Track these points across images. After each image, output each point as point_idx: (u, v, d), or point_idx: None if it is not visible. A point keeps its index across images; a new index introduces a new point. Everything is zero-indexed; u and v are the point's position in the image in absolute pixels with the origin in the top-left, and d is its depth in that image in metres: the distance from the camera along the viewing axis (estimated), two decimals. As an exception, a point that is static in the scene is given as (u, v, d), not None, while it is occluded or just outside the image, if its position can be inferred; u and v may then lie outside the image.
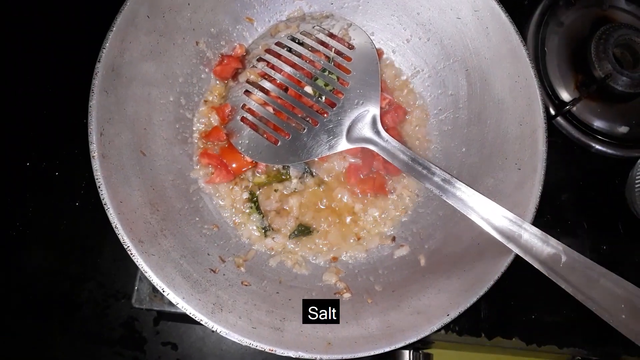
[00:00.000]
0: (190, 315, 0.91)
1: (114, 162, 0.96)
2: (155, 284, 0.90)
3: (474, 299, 0.98)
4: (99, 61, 0.95)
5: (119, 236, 0.91)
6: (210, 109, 1.21)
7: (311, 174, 1.20)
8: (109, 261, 1.30)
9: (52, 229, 1.30)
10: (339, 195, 1.21)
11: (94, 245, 1.30)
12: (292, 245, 1.17)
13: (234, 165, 1.16)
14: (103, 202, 0.91)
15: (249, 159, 1.15)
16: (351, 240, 1.19)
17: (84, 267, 1.29)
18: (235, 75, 1.21)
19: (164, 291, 0.90)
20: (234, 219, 1.17)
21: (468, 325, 1.27)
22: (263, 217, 1.17)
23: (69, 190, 1.32)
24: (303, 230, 1.17)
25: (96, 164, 0.92)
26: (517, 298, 1.30)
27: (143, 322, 1.27)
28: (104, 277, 1.29)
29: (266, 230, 1.16)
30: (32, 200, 1.31)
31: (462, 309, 0.97)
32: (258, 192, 1.18)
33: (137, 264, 0.91)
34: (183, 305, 0.91)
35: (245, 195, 1.17)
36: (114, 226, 0.91)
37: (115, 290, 1.28)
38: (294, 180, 1.19)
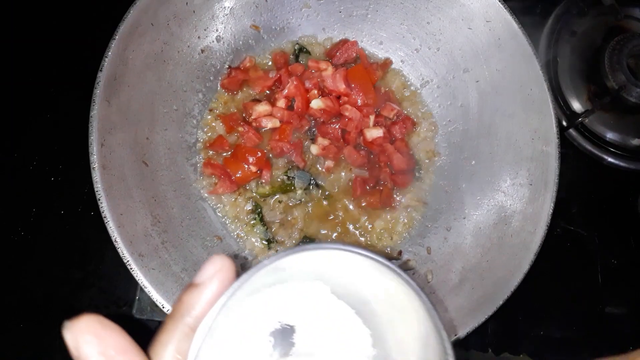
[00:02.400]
0: (190, 332, 0.88)
1: (114, 173, 0.94)
2: (155, 300, 0.88)
3: (482, 319, 0.96)
4: (100, 70, 0.94)
5: (119, 250, 0.89)
6: (215, 118, 1.19)
7: (317, 185, 1.18)
8: (110, 267, 1.27)
9: (54, 234, 1.28)
10: (345, 207, 1.18)
11: (96, 251, 1.28)
12: (296, 258, 1.14)
13: (238, 175, 1.14)
14: (103, 215, 0.89)
15: (253, 169, 1.13)
16: (356, 254, 1.16)
17: (85, 273, 1.27)
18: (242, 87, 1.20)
19: (163, 307, 0.89)
20: (237, 230, 1.14)
21: (475, 340, 1.24)
22: (267, 228, 1.14)
23: (72, 195, 1.30)
24: (308, 243, 1.15)
25: (96, 176, 0.90)
26: (525, 313, 1.27)
27: (144, 331, 1.25)
28: (105, 284, 1.27)
29: (270, 242, 1.14)
30: (34, 205, 1.29)
31: (469, 329, 0.95)
32: (262, 203, 1.16)
33: (137, 279, 0.89)
34: (183, 322, 0.88)
35: (249, 206, 1.15)
36: (113, 240, 0.89)
37: (116, 297, 1.26)
38: (299, 192, 1.16)
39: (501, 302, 0.96)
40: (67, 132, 1.32)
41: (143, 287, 0.88)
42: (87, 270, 1.27)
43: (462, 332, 0.95)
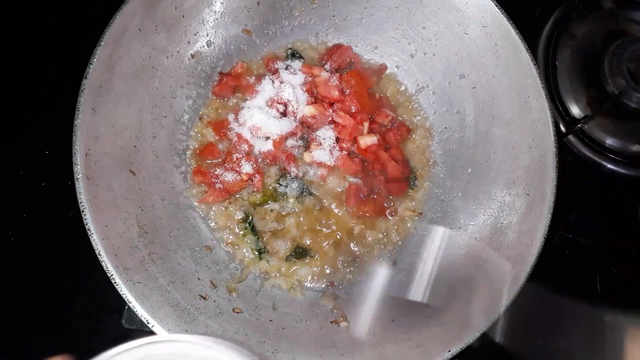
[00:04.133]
0: (176, 348, 0.86)
1: (99, 183, 0.91)
2: (139, 315, 0.86)
3: (477, 334, 0.93)
4: (85, 77, 0.91)
5: (102, 264, 0.87)
6: (205, 125, 1.16)
7: (310, 193, 1.15)
8: (101, 274, 1.25)
9: (45, 240, 1.26)
10: (339, 216, 1.16)
11: (87, 258, 1.25)
12: (287, 269, 1.11)
13: (228, 184, 1.11)
14: (87, 227, 0.87)
15: (244, 178, 1.11)
16: (350, 264, 1.13)
17: (76, 279, 1.24)
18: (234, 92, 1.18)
19: (148, 322, 0.86)
20: (227, 240, 1.12)
21: (471, 351, 1.21)
22: (258, 238, 1.12)
23: (62, 201, 1.28)
24: (300, 253, 1.12)
25: (80, 187, 0.88)
26: (523, 323, 1.24)
27: (136, 338, 1.22)
28: (95, 291, 1.24)
29: (261, 252, 1.11)
30: (24, 211, 1.27)
31: (463, 345, 0.92)
32: (253, 212, 1.13)
33: (121, 293, 0.86)
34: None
35: (240, 216, 1.12)
36: (97, 253, 0.87)
37: (107, 305, 1.24)
38: (291, 200, 1.14)
39: (496, 317, 0.94)
40: (58, 137, 1.29)
41: (127, 301, 0.86)
42: (78, 276, 1.24)
43: (457, 347, 0.93)
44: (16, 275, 1.23)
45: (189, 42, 1.12)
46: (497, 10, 1.06)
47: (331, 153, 1.15)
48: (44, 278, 1.23)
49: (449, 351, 0.92)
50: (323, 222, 1.15)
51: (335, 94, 1.14)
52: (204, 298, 0.98)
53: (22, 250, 1.24)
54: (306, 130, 1.17)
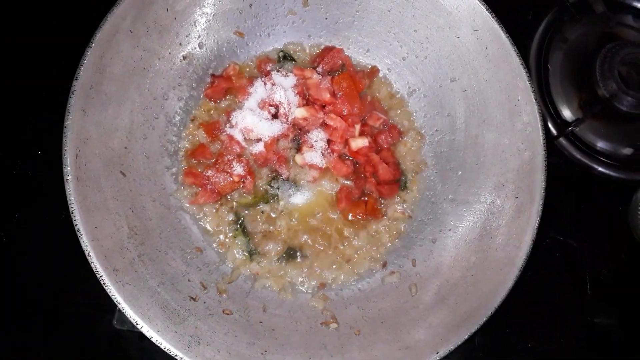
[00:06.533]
0: (165, 350, 0.86)
1: (89, 184, 0.92)
2: (128, 316, 0.86)
3: (465, 336, 0.94)
4: (76, 79, 0.91)
5: (92, 265, 0.87)
6: (197, 126, 1.17)
7: (301, 195, 1.16)
8: (93, 274, 1.25)
9: (38, 240, 1.26)
10: (330, 218, 1.16)
11: (79, 258, 1.25)
12: (278, 270, 1.12)
13: (220, 185, 1.11)
14: (76, 228, 0.87)
15: (236, 179, 1.11)
16: (341, 265, 1.14)
17: (70, 279, 1.24)
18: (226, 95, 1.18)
19: (137, 324, 0.86)
20: (218, 241, 1.12)
21: (461, 353, 1.22)
22: (249, 239, 1.12)
23: (56, 201, 1.27)
24: (291, 254, 1.13)
25: (70, 188, 0.88)
26: (513, 326, 1.25)
27: (128, 339, 1.22)
28: (90, 291, 1.23)
29: (252, 254, 1.12)
30: (17, 210, 1.27)
31: (452, 347, 0.93)
32: (244, 214, 1.14)
33: (110, 294, 0.87)
34: (157, 339, 0.87)
35: (231, 217, 1.13)
36: (86, 254, 0.87)
37: (101, 305, 1.23)
38: (282, 202, 1.14)
39: (485, 319, 0.94)
40: (50, 137, 1.29)
41: (116, 303, 0.86)
42: (70, 276, 1.24)
43: (444, 349, 0.93)
44: (8, 275, 1.23)
45: (180, 43, 1.12)
46: (488, 13, 1.06)
47: (323, 155, 1.15)
48: (36, 278, 1.24)
49: (437, 353, 0.92)
50: (314, 223, 1.15)
51: (327, 96, 1.15)
52: (194, 299, 0.98)
53: (14, 250, 1.24)
54: (298, 133, 1.17)
